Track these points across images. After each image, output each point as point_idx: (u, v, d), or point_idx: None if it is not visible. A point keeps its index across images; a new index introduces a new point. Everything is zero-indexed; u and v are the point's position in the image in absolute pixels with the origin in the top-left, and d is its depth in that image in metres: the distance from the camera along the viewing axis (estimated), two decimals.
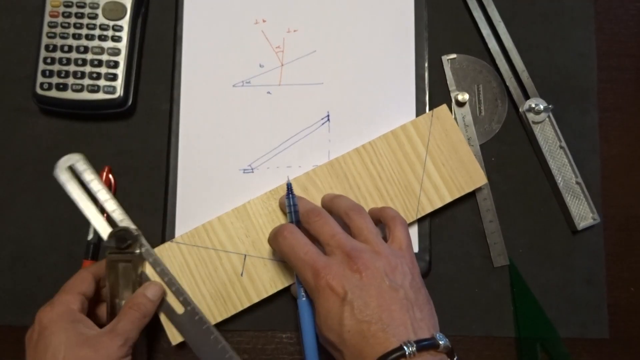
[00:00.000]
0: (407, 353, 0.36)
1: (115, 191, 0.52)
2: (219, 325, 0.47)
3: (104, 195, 0.47)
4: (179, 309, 0.46)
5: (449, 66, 0.53)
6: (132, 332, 0.43)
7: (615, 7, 0.55)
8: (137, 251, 0.46)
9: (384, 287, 0.39)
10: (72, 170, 0.47)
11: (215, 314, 0.47)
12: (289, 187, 0.46)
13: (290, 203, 0.45)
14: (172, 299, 0.46)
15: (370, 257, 0.40)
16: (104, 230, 0.46)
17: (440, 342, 0.38)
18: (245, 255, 0.48)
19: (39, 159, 0.53)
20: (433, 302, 0.50)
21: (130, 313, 0.43)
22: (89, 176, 0.47)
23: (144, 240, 0.47)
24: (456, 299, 0.50)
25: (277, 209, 0.48)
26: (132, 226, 0.47)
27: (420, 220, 0.50)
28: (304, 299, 0.43)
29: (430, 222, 0.50)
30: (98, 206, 0.47)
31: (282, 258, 0.43)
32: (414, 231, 0.50)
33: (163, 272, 0.47)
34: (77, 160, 0.47)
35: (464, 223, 0.51)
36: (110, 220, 0.47)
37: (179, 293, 0.46)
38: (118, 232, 0.46)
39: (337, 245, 0.41)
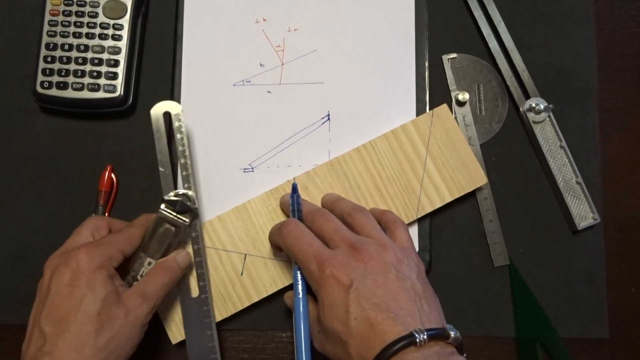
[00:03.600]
0: (417, 340, 0.35)
1: (117, 190, 0.52)
2: (219, 325, 0.47)
3: (184, 156, 0.46)
4: (195, 292, 0.46)
5: (449, 65, 0.53)
6: (159, 298, 0.42)
7: (615, 7, 0.55)
8: (188, 221, 0.45)
9: (390, 276, 0.39)
10: (167, 118, 0.46)
11: (215, 313, 0.47)
12: (295, 187, 0.46)
13: (294, 202, 0.45)
14: (192, 281, 0.46)
15: (375, 249, 0.40)
16: (167, 189, 0.46)
17: (451, 333, 0.37)
18: (245, 255, 0.48)
19: (39, 157, 0.53)
20: None
21: (160, 276, 0.43)
22: (179, 131, 0.46)
23: (198, 219, 0.46)
24: (456, 299, 0.50)
25: (277, 208, 0.48)
26: (194, 197, 0.46)
27: (420, 220, 0.50)
28: (300, 295, 0.42)
29: (431, 221, 0.50)
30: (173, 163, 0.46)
31: (286, 250, 0.43)
32: (414, 231, 0.50)
33: (197, 252, 0.46)
34: (176, 111, 0.46)
35: (464, 223, 0.51)
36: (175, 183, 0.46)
37: (202, 278, 0.46)
38: (181, 194, 0.45)
39: (342, 239, 0.41)
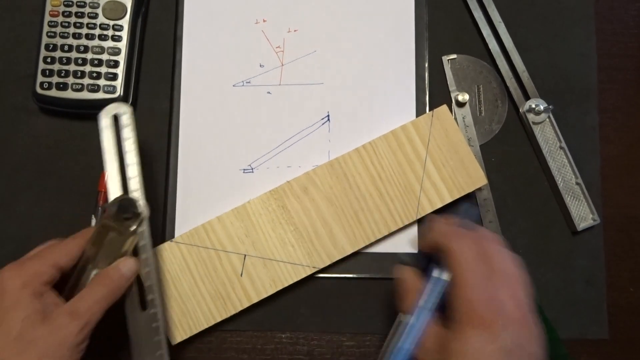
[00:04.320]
0: None
1: None
2: (218, 325, 0.47)
3: (131, 158, 0.44)
4: (142, 307, 0.43)
5: (449, 66, 0.53)
6: (94, 315, 0.39)
7: (615, 7, 0.55)
8: (134, 228, 0.42)
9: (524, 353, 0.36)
10: (116, 120, 0.44)
11: (214, 313, 0.47)
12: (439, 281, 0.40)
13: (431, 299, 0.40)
14: (141, 294, 0.43)
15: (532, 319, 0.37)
16: (114, 193, 0.43)
17: None
18: (245, 255, 0.48)
19: (39, 158, 0.53)
20: None
21: (97, 290, 0.40)
22: (128, 134, 0.44)
23: (145, 222, 0.43)
24: None
25: (276, 209, 0.48)
26: (142, 202, 0.43)
27: (420, 221, 0.50)
28: (424, 307, 0.38)
29: None
30: (122, 167, 0.44)
31: (447, 259, 0.39)
32: (413, 231, 0.50)
33: (146, 262, 0.43)
34: (124, 112, 0.44)
35: None
36: (126, 186, 0.44)
37: (150, 291, 0.43)
38: (124, 199, 0.43)
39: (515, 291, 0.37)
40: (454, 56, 0.53)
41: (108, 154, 0.44)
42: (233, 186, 0.51)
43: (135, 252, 0.43)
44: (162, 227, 0.50)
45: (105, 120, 0.44)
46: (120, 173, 0.44)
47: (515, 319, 0.36)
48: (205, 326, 0.47)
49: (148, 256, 0.43)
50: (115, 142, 0.44)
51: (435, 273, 0.39)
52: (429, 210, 0.49)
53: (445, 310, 0.38)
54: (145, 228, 0.44)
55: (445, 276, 0.39)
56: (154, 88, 0.53)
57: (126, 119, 0.44)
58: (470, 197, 0.51)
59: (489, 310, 0.35)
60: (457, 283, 0.37)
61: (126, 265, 0.41)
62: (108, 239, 0.42)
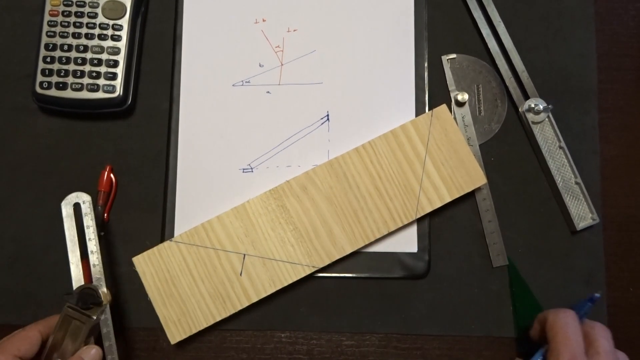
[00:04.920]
0: None
1: (116, 190, 0.52)
2: (218, 325, 0.47)
3: (92, 246, 0.46)
4: None
5: (449, 66, 0.53)
6: None
7: (615, 7, 0.55)
8: (95, 317, 0.44)
9: None
10: (77, 208, 0.47)
11: (214, 313, 0.47)
12: (594, 299, 0.44)
13: (585, 308, 0.45)
14: None
15: None
16: (77, 281, 0.45)
17: None
18: (244, 255, 0.48)
19: (38, 158, 0.53)
20: (432, 302, 0.51)
21: None
22: (88, 222, 0.46)
23: (107, 309, 0.45)
24: (456, 299, 0.50)
25: (276, 209, 0.48)
26: (104, 290, 0.45)
27: (419, 220, 0.50)
28: None
29: (430, 222, 0.50)
30: (83, 254, 0.46)
31: (548, 330, 0.43)
32: (413, 231, 0.50)
33: (110, 350, 0.45)
34: (84, 201, 0.46)
35: (463, 223, 0.51)
36: (88, 272, 0.46)
37: None
38: (85, 290, 0.44)
39: (604, 350, 0.41)
40: (453, 56, 0.53)
41: (70, 242, 0.46)
42: (232, 186, 0.51)
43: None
44: (161, 227, 0.50)
45: (66, 210, 0.46)
46: (82, 261, 0.46)
47: None
48: (205, 325, 0.47)
49: (111, 343, 0.45)
50: (76, 231, 0.46)
51: (544, 350, 0.44)
52: (429, 209, 0.49)
53: None
54: (107, 316, 0.45)
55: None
56: (154, 88, 0.53)
57: (85, 207, 0.46)
58: (469, 196, 0.51)
59: None
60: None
61: (90, 356, 0.42)
62: (72, 327, 0.44)
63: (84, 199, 0.46)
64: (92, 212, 0.46)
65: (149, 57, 0.54)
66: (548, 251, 0.51)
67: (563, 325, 0.42)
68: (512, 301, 0.50)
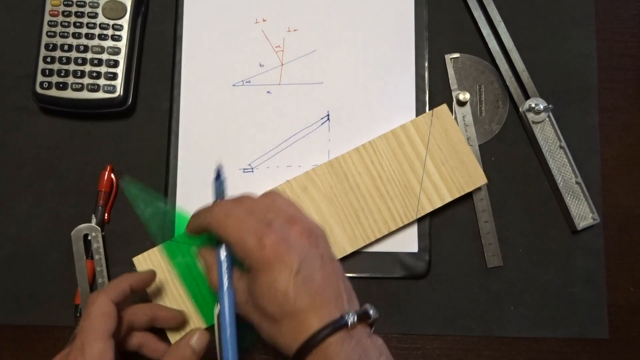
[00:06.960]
0: (348, 323, 0.36)
1: (116, 190, 0.52)
2: None
3: (102, 276, 0.49)
4: None
5: (452, 65, 0.53)
6: None
7: (615, 7, 0.55)
8: None
9: (325, 258, 0.39)
10: (86, 238, 0.50)
11: (214, 313, 0.47)
12: (219, 171, 0.44)
13: (219, 189, 0.44)
14: None
15: (309, 223, 0.40)
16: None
17: (371, 312, 0.38)
18: None
19: (38, 158, 0.53)
20: (433, 302, 0.50)
21: None
22: (97, 255, 0.49)
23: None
24: (456, 299, 0.50)
25: None
26: None
27: (419, 220, 0.50)
28: (225, 288, 0.39)
29: (430, 222, 0.50)
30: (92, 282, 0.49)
31: (215, 230, 0.39)
32: (413, 231, 0.50)
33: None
34: (94, 233, 0.50)
35: (463, 223, 0.51)
36: None
37: None
38: None
39: (278, 214, 0.39)
40: (456, 55, 0.53)
41: (79, 274, 0.49)
42: (233, 186, 0.50)
43: None
44: (161, 227, 0.50)
45: (76, 239, 0.49)
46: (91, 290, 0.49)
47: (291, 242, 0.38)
48: (205, 326, 0.47)
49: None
50: (85, 260, 0.49)
51: (219, 249, 0.41)
52: (429, 209, 0.49)
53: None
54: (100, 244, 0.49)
55: (222, 255, 0.41)
56: (154, 87, 0.53)
57: (95, 241, 0.50)
58: (470, 197, 0.51)
59: (263, 250, 0.37)
60: (232, 247, 0.39)
61: (197, 339, 0.40)
62: None
63: (94, 230, 0.50)
64: (101, 245, 0.49)
65: (149, 57, 0.54)
66: (548, 251, 0.51)
67: (222, 219, 0.39)
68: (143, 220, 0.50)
